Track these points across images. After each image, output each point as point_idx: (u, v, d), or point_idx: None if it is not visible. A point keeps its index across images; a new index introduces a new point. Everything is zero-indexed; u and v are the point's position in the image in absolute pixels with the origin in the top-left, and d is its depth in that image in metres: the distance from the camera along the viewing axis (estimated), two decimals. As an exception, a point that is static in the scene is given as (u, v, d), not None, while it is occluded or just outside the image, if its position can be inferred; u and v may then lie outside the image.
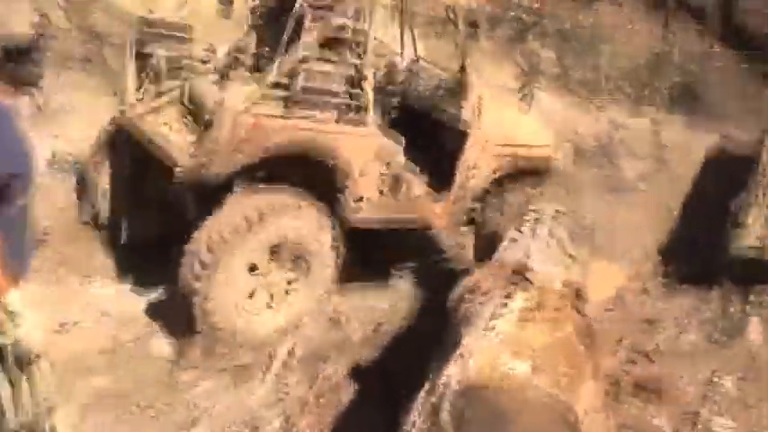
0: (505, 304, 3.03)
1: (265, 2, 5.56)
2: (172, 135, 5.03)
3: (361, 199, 5.22)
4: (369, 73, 5.18)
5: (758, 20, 14.91)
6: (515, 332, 2.84)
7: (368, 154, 5.23)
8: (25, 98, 2.96)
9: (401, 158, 5.45)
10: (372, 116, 5.25)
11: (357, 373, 3.97)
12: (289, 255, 4.84)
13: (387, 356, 4.21)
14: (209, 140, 4.62)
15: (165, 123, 5.15)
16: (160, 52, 5.28)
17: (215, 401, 3.78)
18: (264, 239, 4.69)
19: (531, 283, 3.22)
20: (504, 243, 4.38)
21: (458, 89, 5.66)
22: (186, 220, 4.74)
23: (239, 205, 4.66)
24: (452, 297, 3.42)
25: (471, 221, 6.02)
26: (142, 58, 5.33)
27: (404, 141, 5.44)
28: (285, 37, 4.85)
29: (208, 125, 4.69)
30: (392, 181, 5.41)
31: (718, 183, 7.10)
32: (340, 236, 5.01)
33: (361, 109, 5.13)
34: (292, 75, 4.83)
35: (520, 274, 3.26)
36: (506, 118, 5.99)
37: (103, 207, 5.46)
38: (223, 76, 5.18)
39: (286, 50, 4.84)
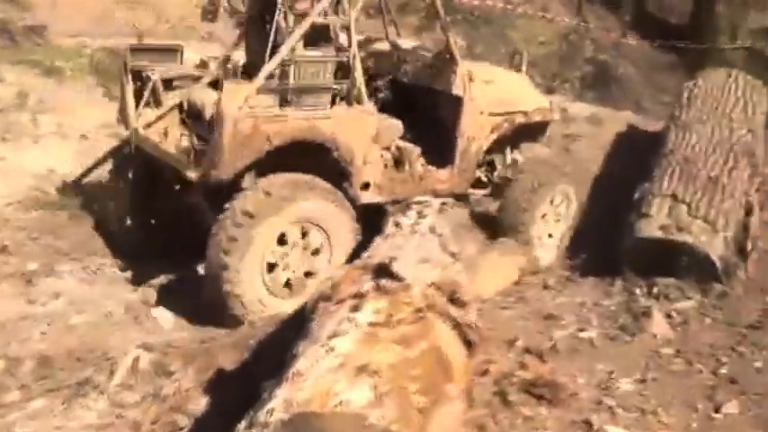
0: (350, 318, 2.59)
1: (249, 10, 5.71)
2: (178, 145, 5.32)
3: (367, 185, 5.52)
4: (357, 62, 5.31)
5: (669, 9, 15.04)
6: (358, 351, 2.39)
7: (367, 138, 5.43)
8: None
9: (399, 135, 5.71)
10: (367, 101, 5.41)
11: (209, 388, 3.43)
12: (315, 239, 5.10)
13: (251, 367, 3.69)
14: (213, 146, 4.86)
15: (169, 135, 5.45)
16: (155, 72, 5.54)
17: (35, 427, 3.22)
18: (291, 214, 4.96)
19: (385, 291, 2.78)
20: (378, 239, 4.00)
21: (446, 64, 5.89)
22: (201, 230, 5.01)
23: (262, 183, 4.93)
24: (308, 305, 2.98)
25: (480, 183, 6.36)
26: (139, 80, 5.59)
27: (400, 122, 5.69)
28: (270, 43, 5.07)
29: (210, 131, 4.95)
30: (395, 156, 5.72)
31: (625, 172, 6.90)
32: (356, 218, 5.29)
33: (354, 97, 5.30)
34: (282, 76, 5.05)
35: (379, 278, 2.82)
36: (498, 80, 6.23)
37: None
38: (218, 85, 5.30)
39: (273, 55, 5.04)
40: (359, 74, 5.33)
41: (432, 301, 2.85)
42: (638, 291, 5.40)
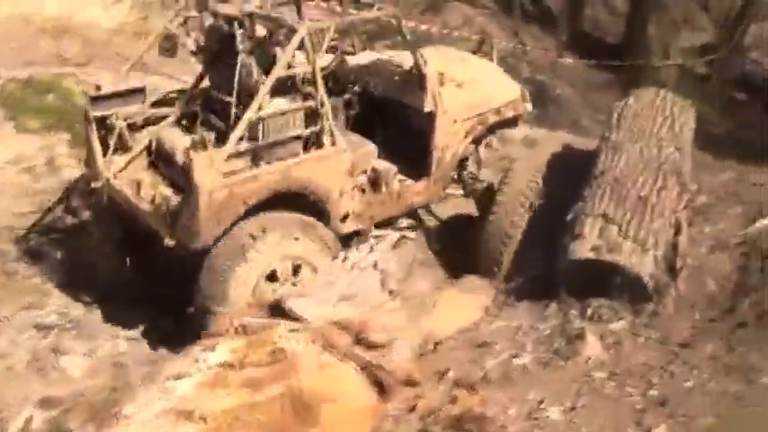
0: (201, 359, 2.49)
1: (208, 47, 5.74)
2: (150, 197, 5.25)
3: (345, 216, 5.56)
4: (326, 107, 5.36)
5: (603, 28, 15.37)
6: (194, 395, 2.29)
7: (342, 174, 5.50)
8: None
9: (374, 159, 5.77)
10: (340, 139, 5.45)
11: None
12: (306, 274, 4.91)
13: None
14: (188, 216, 4.82)
15: (141, 183, 5.39)
16: (119, 118, 5.48)
17: None
18: (277, 252, 4.90)
19: (244, 331, 2.71)
20: (305, 272, 3.94)
21: (415, 80, 5.93)
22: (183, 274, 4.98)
23: (245, 226, 4.95)
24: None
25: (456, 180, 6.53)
26: (103, 127, 5.51)
27: (374, 147, 5.78)
28: (236, 87, 5.15)
29: (180, 175, 5.02)
30: (371, 179, 5.78)
31: (560, 192, 6.92)
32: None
33: (325, 137, 5.34)
34: (251, 132, 5.02)
35: (274, 316, 2.75)
36: (469, 76, 6.31)
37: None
38: (185, 125, 5.49)
39: (239, 100, 5.14)
40: (329, 117, 5.36)
41: (332, 342, 2.78)
42: (572, 313, 5.41)
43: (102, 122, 5.51)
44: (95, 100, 5.60)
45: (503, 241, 6.21)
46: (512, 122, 6.75)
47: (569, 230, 5.81)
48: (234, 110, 5.19)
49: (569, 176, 7.00)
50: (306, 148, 5.34)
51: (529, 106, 7.32)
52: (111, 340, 5.29)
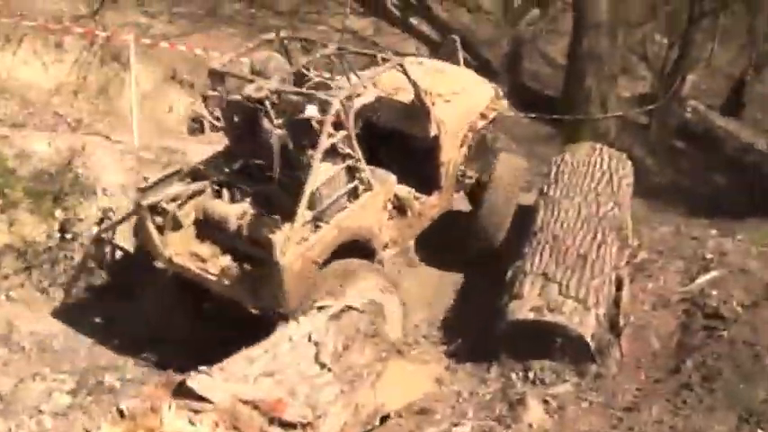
0: None
1: (231, 118, 5.97)
2: (217, 268, 5.67)
3: (386, 245, 6.25)
4: (362, 162, 5.85)
5: (543, 81, 15.58)
6: None
7: (380, 211, 6.10)
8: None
9: (396, 187, 6.28)
10: (375, 184, 5.98)
11: None
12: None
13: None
14: (273, 288, 5.32)
15: (200, 256, 5.81)
16: (169, 203, 5.86)
17: None
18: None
19: (122, 416, 2.48)
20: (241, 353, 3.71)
21: (418, 112, 6.40)
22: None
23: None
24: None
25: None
26: (155, 211, 5.87)
27: (393, 176, 6.23)
28: (277, 159, 5.58)
29: (236, 241, 5.66)
30: (395, 205, 6.32)
31: (501, 249, 6.83)
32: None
33: (365, 187, 5.90)
34: (312, 205, 5.51)
35: (179, 397, 2.52)
36: (452, 87, 6.80)
37: None
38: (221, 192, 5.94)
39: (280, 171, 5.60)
40: (365, 170, 5.89)
41: (241, 423, 2.56)
42: (514, 376, 5.27)
43: (154, 208, 5.87)
44: (143, 191, 5.95)
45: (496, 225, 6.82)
46: (492, 121, 7.31)
47: (508, 290, 5.69)
48: (276, 177, 5.69)
49: (510, 232, 6.94)
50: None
51: (505, 103, 7.64)
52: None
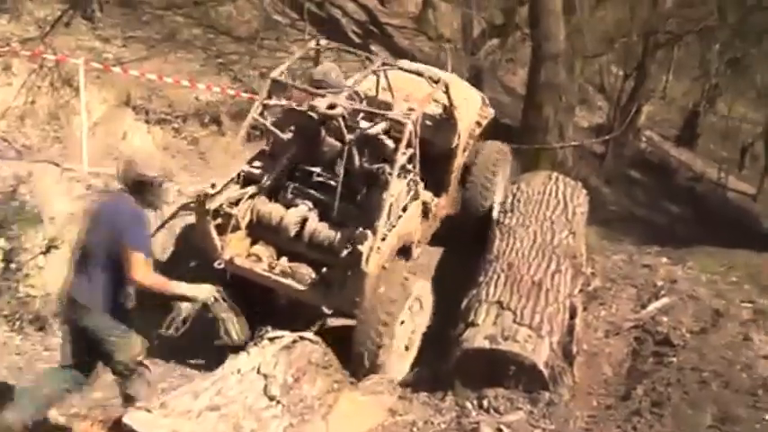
0: None
1: (286, 126, 6.46)
2: (279, 269, 6.10)
3: (419, 243, 6.91)
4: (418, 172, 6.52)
5: (502, 110, 15.72)
6: None
7: (418, 216, 6.72)
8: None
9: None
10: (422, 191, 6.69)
11: None
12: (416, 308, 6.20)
13: None
14: (352, 292, 5.84)
15: (259, 256, 6.19)
16: (228, 202, 6.15)
17: None
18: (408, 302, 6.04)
19: None
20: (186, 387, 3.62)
21: (446, 123, 7.10)
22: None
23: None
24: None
25: None
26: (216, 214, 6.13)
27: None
28: (341, 171, 6.11)
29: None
30: (424, 212, 6.90)
31: (456, 278, 6.82)
32: None
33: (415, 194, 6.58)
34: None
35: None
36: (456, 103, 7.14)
37: None
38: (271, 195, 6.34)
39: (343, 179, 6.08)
40: (418, 179, 6.52)
41: None
42: (468, 405, 5.23)
43: (216, 212, 6.12)
44: (210, 196, 6.08)
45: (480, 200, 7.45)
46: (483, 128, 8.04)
47: (463, 318, 5.68)
48: (339, 187, 6.11)
49: (466, 261, 6.94)
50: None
51: (491, 111, 8.27)
52: None
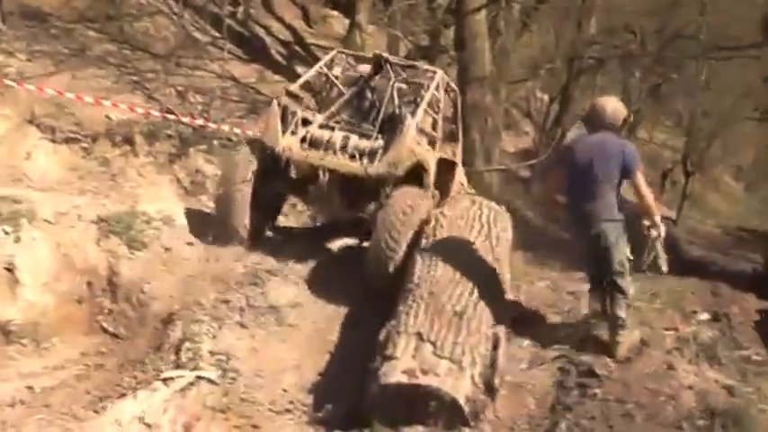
0: None
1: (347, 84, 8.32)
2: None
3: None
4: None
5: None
6: None
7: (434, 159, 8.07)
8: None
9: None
10: None
11: None
12: None
13: None
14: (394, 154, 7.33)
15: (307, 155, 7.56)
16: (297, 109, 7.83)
17: None
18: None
19: None
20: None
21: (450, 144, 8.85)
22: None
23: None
24: None
25: None
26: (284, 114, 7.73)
27: None
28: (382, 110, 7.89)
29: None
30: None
31: (379, 308, 6.51)
32: None
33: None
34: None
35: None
36: None
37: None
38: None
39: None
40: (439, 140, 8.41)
41: None
42: (386, 443, 4.91)
43: (284, 112, 7.65)
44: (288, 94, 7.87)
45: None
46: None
47: (381, 351, 5.36)
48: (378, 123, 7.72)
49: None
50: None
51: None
52: None
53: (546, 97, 18.60)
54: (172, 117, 10.57)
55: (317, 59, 16.81)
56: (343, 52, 9.06)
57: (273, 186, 7.83)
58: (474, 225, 6.85)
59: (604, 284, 5.88)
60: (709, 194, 29.89)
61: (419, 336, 5.36)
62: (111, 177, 9.86)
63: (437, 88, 8.18)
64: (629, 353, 5.65)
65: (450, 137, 8.81)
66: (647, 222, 5.90)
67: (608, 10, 18.15)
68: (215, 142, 11.37)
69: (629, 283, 5.78)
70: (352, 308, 6.77)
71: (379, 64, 8.12)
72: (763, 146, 28.01)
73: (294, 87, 8.11)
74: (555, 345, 5.97)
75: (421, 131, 7.80)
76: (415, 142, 7.45)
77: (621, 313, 5.75)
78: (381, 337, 5.53)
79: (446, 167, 8.35)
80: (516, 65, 16.56)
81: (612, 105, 6.00)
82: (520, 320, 6.25)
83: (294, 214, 10.43)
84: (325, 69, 8.38)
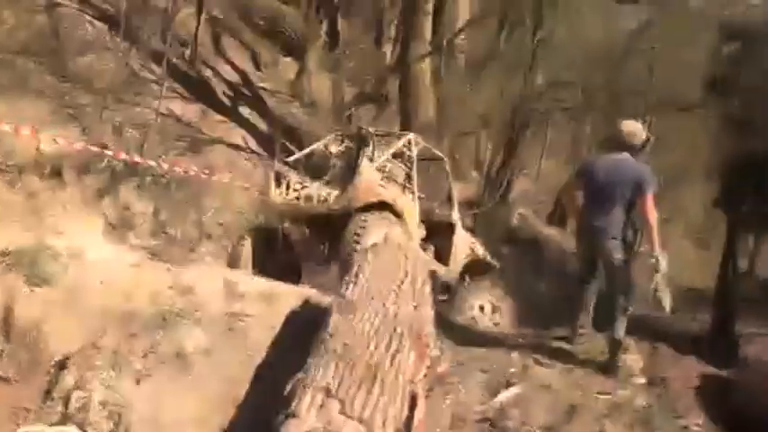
0: None
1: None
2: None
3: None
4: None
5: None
6: None
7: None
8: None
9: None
10: None
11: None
12: None
13: None
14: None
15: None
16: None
17: None
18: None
19: None
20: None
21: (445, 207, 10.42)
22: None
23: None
24: None
25: None
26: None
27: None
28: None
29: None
30: (421, 246, 9.44)
31: (290, 359, 6.04)
32: None
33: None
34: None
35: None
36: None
37: None
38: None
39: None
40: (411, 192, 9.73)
41: None
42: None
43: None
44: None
45: None
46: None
47: (284, 407, 4.88)
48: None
49: (303, 339, 6.22)
50: None
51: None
52: None
53: (490, 147, 18.55)
54: (105, 151, 10.22)
55: (263, 102, 16.66)
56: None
57: None
58: (398, 271, 6.45)
59: (612, 305, 6.24)
60: (657, 252, 29.96)
61: (327, 391, 4.90)
62: (34, 210, 9.40)
63: (408, 145, 9.67)
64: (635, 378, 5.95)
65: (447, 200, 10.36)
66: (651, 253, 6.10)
67: (556, 64, 18.27)
68: (147, 179, 10.96)
69: (631, 302, 6.18)
70: (271, 355, 6.32)
71: (361, 136, 9.57)
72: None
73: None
74: (478, 406, 5.56)
75: (389, 178, 9.18)
76: (375, 183, 8.70)
77: (622, 336, 6.11)
78: (286, 391, 5.06)
79: (442, 229, 9.73)
80: (462, 115, 16.49)
81: (632, 128, 6.38)
82: (443, 376, 5.83)
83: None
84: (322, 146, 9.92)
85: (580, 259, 6.88)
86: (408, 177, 9.73)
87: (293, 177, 9.30)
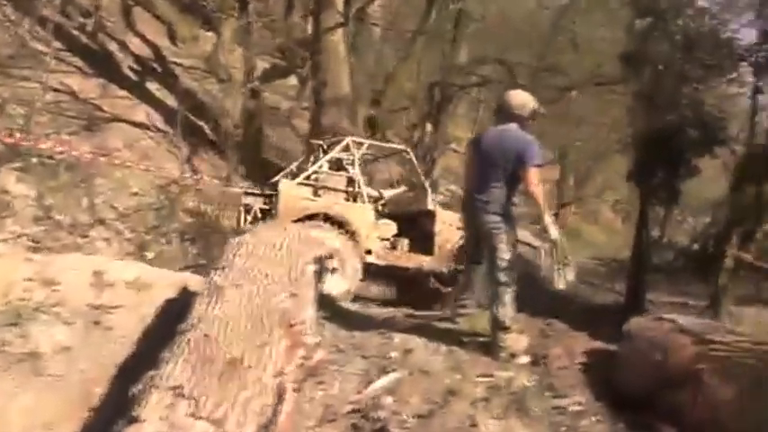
0: None
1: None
2: None
3: (369, 252, 10.19)
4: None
5: (286, 156, 14.81)
6: None
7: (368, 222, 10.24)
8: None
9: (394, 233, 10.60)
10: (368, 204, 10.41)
11: None
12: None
13: None
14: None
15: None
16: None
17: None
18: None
19: None
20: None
21: (420, 195, 11.17)
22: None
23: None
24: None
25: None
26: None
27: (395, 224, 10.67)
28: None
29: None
30: (391, 243, 10.47)
31: (163, 348, 5.57)
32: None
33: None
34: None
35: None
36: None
37: None
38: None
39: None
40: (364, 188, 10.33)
41: None
42: None
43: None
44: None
45: None
46: None
47: (128, 411, 4.40)
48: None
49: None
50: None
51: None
52: None
53: (414, 124, 18.18)
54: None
55: (174, 77, 15.94)
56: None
57: None
58: (277, 255, 6.01)
59: (489, 282, 5.99)
60: (587, 227, 30.37)
61: (177, 391, 4.45)
62: None
63: (346, 149, 10.24)
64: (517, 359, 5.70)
65: (422, 190, 10.81)
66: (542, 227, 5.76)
67: (479, 40, 17.97)
68: (33, 160, 10.23)
69: (512, 279, 5.83)
70: (138, 350, 5.82)
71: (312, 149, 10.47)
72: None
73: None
74: (355, 395, 5.18)
75: (325, 187, 9.70)
76: (298, 199, 9.35)
77: (504, 315, 5.76)
78: (134, 391, 4.58)
79: (422, 218, 10.24)
80: (385, 89, 16.05)
81: (520, 98, 6.04)
82: (318, 366, 5.42)
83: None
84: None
85: (467, 237, 6.62)
86: (351, 181, 9.92)
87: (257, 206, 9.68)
